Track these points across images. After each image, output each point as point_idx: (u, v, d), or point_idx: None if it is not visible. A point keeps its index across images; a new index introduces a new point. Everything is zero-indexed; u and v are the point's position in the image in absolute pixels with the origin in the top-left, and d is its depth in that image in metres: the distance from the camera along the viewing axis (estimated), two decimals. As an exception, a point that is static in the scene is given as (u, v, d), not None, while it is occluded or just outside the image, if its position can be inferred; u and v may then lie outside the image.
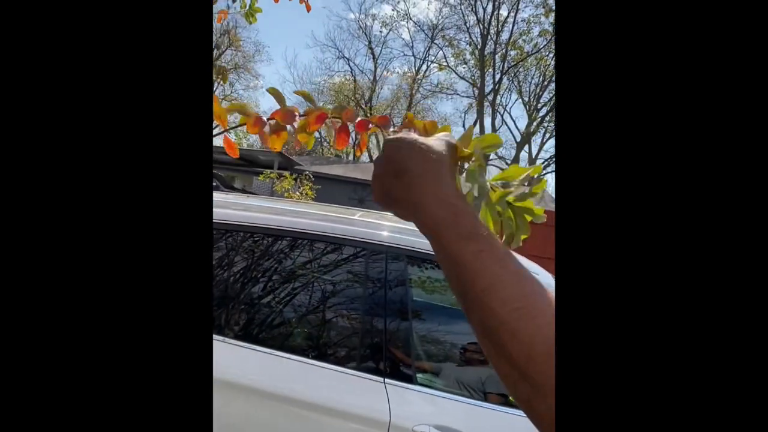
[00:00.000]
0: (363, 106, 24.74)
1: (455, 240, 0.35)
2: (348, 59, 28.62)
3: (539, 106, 17.59)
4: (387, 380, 1.34)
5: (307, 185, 8.63)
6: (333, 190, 11.90)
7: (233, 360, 1.39)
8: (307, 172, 9.15)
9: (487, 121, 14.99)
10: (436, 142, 0.42)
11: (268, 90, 0.52)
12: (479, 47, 14.30)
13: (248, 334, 1.49)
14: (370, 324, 1.45)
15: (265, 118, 0.56)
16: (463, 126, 26.23)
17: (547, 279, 1.54)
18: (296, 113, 0.57)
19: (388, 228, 1.61)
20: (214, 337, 1.44)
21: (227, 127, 0.50)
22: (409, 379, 1.37)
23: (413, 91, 24.25)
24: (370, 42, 24.80)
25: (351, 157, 25.22)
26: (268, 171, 9.71)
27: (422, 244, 1.51)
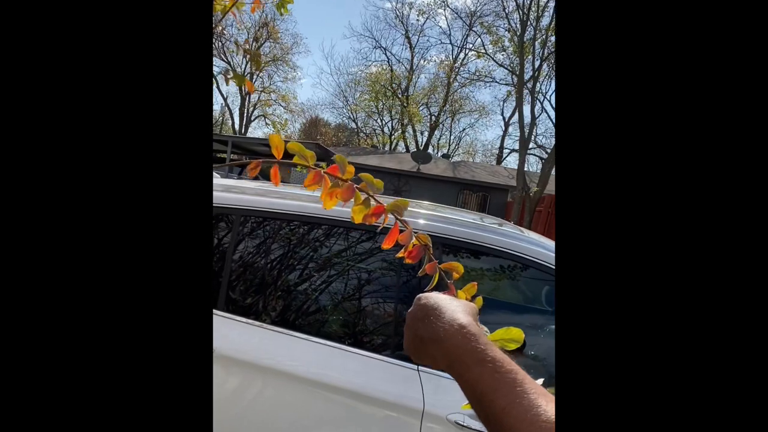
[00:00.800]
0: (399, 96, 24.74)
1: (474, 364, 0.39)
2: (385, 49, 29.04)
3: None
4: (421, 368, 1.33)
5: None
6: None
7: (269, 345, 1.42)
8: None
9: (527, 108, 14.54)
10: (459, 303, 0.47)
11: (270, 137, 0.49)
12: (518, 33, 13.84)
13: (285, 320, 1.51)
14: (405, 312, 1.43)
15: (322, 172, 0.54)
16: (502, 114, 25.72)
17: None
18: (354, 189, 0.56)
19: (423, 216, 1.60)
20: (251, 321, 1.47)
21: (280, 159, 0.50)
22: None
23: (450, 80, 24.02)
24: (407, 31, 24.70)
25: (387, 148, 25.12)
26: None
27: (458, 232, 1.50)
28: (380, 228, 0.58)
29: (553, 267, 1.50)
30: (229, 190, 1.68)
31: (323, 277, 1.57)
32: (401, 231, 0.58)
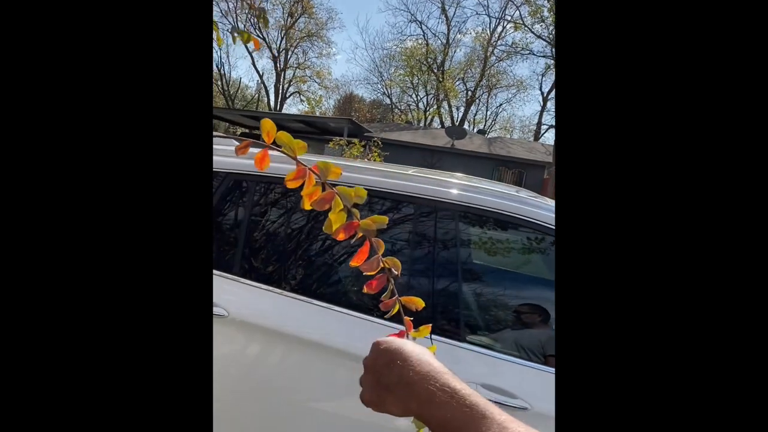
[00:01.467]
0: (435, 71, 24.50)
1: (446, 402, 0.39)
2: (420, 22, 28.81)
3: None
4: (434, 337, 1.25)
5: (375, 152, 8.78)
6: (402, 156, 11.69)
7: (291, 313, 1.41)
8: (375, 139, 9.29)
9: None
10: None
11: (262, 122, 0.45)
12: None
13: (306, 288, 1.50)
14: (420, 282, 1.42)
15: (309, 169, 0.50)
16: (540, 89, 24.76)
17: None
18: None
19: (439, 183, 1.51)
20: (271, 288, 1.45)
21: (269, 143, 0.45)
22: (459, 338, 1.34)
23: (487, 54, 23.72)
24: (443, 3, 23.99)
25: (422, 124, 24.86)
26: (338, 138, 9.74)
27: (477, 200, 1.43)
28: (355, 239, 0.53)
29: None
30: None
31: (344, 246, 1.51)
32: (372, 252, 0.53)
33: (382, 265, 0.55)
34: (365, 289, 0.55)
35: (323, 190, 0.52)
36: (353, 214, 0.54)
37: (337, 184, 0.53)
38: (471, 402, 0.38)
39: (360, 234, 0.54)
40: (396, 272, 0.55)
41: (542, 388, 1.26)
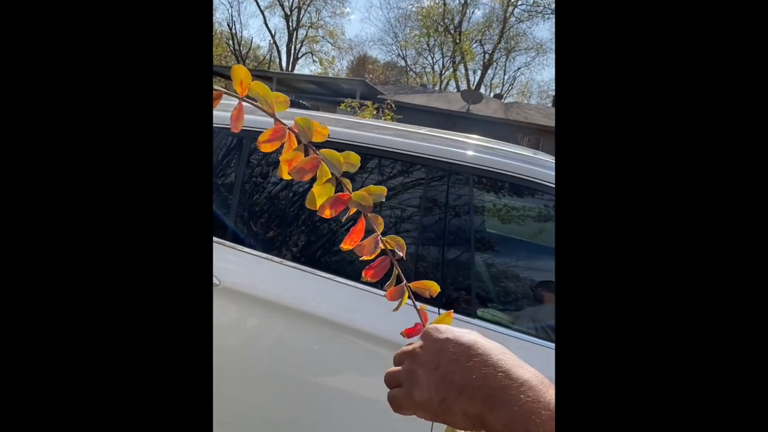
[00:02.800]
0: (452, 32, 23.89)
1: (550, 419, 0.29)
2: None
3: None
4: (442, 311, 1.13)
5: (388, 115, 8.70)
6: (416, 119, 11.22)
7: (290, 283, 1.31)
8: (389, 102, 9.21)
9: None
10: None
11: (233, 68, 0.37)
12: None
13: (309, 258, 1.39)
14: (428, 252, 1.31)
15: (287, 126, 0.40)
16: None
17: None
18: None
19: (470, 147, 1.37)
20: (272, 258, 1.34)
21: (243, 96, 0.37)
22: (468, 313, 1.24)
23: (507, 14, 23.06)
24: None
25: (437, 87, 24.52)
26: (350, 100, 9.51)
27: (504, 165, 1.30)
28: (345, 217, 0.43)
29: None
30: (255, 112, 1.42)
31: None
32: (368, 232, 0.43)
33: (382, 246, 0.44)
34: (363, 277, 0.45)
35: (306, 154, 0.41)
36: (344, 185, 0.43)
37: (342, 145, 0.42)
38: None
39: (353, 210, 0.43)
40: (400, 253, 0.44)
41: (547, 362, 1.12)
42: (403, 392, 0.35)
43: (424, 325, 0.45)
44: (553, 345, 1.21)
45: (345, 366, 1.27)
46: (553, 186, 1.28)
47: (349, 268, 1.36)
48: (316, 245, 1.45)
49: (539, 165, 1.33)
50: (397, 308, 0.46)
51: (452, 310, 0.45)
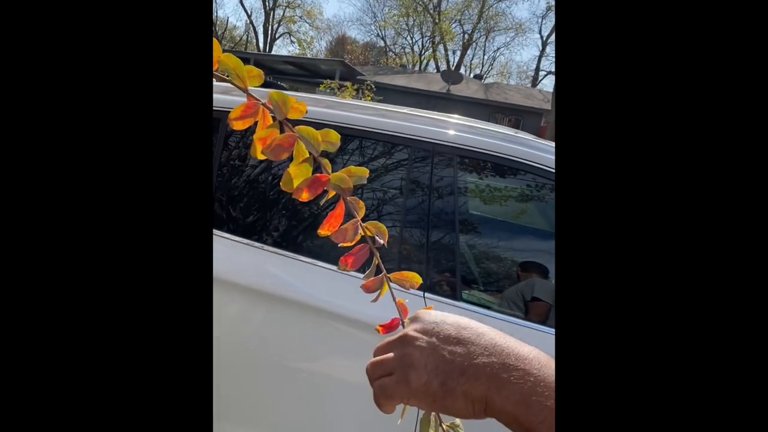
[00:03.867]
0: (431, 12, 23.68)
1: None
2: None
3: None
4: (427, 294, 1.19)
5: (368, 96, 8.66)
6: (396, 100, 11.12)
7: (272, 269, 1.28)
8: (369, 82, 9.20)
9: None
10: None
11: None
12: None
13: (289, 242, 1.35)
14: (411, 234, 1.29)
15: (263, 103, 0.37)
16: (540, 32, 24.40)
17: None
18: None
19: (435, 123, 1.33)
20: (252, 242, 1.31)
21: (215, 71, 0.35)
22: (453, 296, 1.21)
23: None
24: None
25: (417, 68, 24.30)
26: (329, 81, 9.34)
27: (485, 144, 1.27)
28: (324, 200, 0.40)
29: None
30: (229, 93, 1.44)
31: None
32: (348, 217, 0.40)
33: (362, 233, 0.41)
34: (340, 266, 0.42)
35: (282, 132, 0.38)
36: (322, 166, 0.39)
37: (323, 126, 0.39)
38: None
39: (332, 193, 0.40)
40: (381, 241, 0.41)
41: (535, 343, 1.13)
42: (395, 379, 0.32)
43: (402, 320, 0.42)
44: (537, 326, 1.20)
45: (330, 352, 1.25)
46: (536, 165, 1.26)
47: (332, 252, 1.32)
48: (299, 229, 1.42)
49: (522, 144, 1.31)
50: (375, 299, 0.43)
51: (432, 306, 0.42)
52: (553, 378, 0.29)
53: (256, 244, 1.34)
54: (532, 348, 0.31)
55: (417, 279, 0.43)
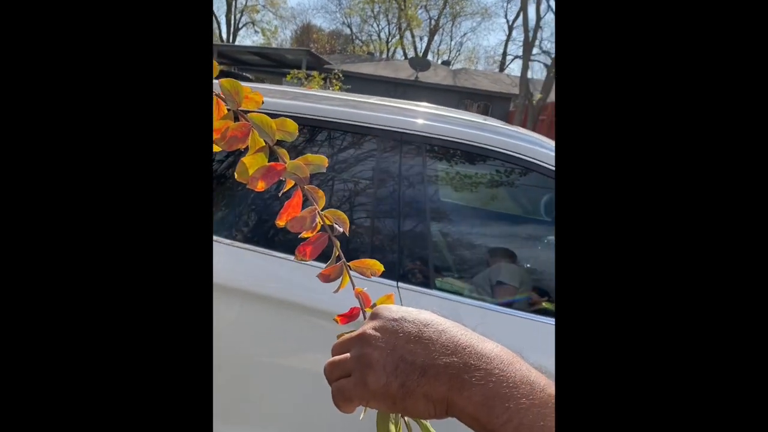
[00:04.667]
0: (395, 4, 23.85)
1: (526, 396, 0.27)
2: None
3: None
4: (401, 284, 1.19)
5: (336, 85, 8.50)
6: (364, 89, 10.98)
7: (244, 266, 1.26)
8: (336, 71, 8.94)
9: (532, 10, 13.38)
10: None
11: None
12: None
13: (260, 238, 1.33)
14: (383, 224, 1.28)
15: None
16: (506, 17, 25.42)
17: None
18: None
19: (403, 112, 1.34)
20: (222, 240, 1.27)
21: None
22: (426, 284, 1.21)
23: None
24: None
25: (385, 55, 24.31)
26: (296, 71, 9.20)
27: (451, 131, 1.28)
28: (282, 192, 0.39)
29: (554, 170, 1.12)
30: None
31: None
32: (305, 203, 0.39)
33: (320, 221, 0.40)
34: (297, 256, 0.41)
35: (236, 121, 0.37)
36: (279, 156, 0.38)
37: (290, 118, 0.37)
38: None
39: (290, 183, 0.39)
40: (340, 229, 0.40)
41: (505, 334, 1.17)
42: (353, 381, 0.31)
43: (362, 309, 0.41)
44: (512, 311, 1.22)
45: (303, 345, 1.24)
46: (504, 151, 1.27)
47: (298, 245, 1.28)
48: (268, 224, 1.38)
49: (490, 131, 1.33)
50: (337, 290, 0.43)
51: (392, 294, 0.42)
52: (517, 376, 0.28)
53: (226, 240, 1.31)
54: (496, 345, 0.31)
55: (378, 266, 0.42)
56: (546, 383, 0.28)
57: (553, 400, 0.28)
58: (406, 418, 0.36)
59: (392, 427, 0.35)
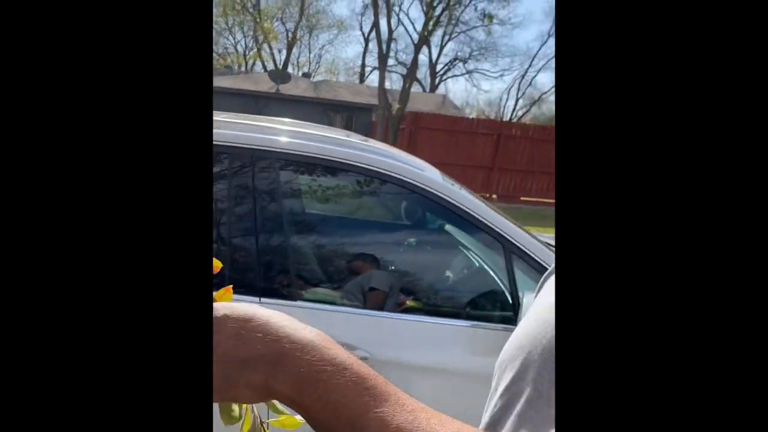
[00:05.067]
0: (251, 11, 23.09)
1: (339, 375, 0.31)
2: None
3: (434, 3, 15.94)
4: (264, 299, 1.19)
5: None
6: (223, 103, 10.85)
7: None
8: None
9: (384, 23, 13.94)
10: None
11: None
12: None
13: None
14: (242, 241, 1.29)
15: None
16: (361, 29, 25.96)
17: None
18: None
19: (253, 128, 1.37)
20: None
21: None
22: (292, 296, 1.24)
23: None
24: None
25: (243, 68, 23.85)
26: None
27: (309, 147, 1.32)
28: None
29: (407, 180, 1.34)
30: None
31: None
32: None
33: None
34: None
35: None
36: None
37: None
38: (370, 384, 0.31)
39: None
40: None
41: (378, 335, 1.24)
42: None
43: None
44: (373, 312, 1.29)
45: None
46: (361, 165, 1.34)
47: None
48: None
49: (339, 144, 1.40)
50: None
51: (231, 285, 0.43)
52: (333, 357, 0.32)
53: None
54: (314, 331, 0.34)
55: (216, 264, 0.42)
56: (354, 362, 0.32)
57: (367, 380, 0.31)
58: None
59: (235, 407, 0.37)
